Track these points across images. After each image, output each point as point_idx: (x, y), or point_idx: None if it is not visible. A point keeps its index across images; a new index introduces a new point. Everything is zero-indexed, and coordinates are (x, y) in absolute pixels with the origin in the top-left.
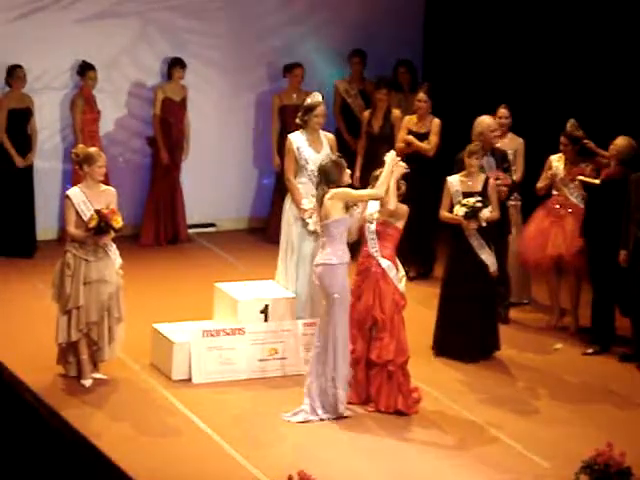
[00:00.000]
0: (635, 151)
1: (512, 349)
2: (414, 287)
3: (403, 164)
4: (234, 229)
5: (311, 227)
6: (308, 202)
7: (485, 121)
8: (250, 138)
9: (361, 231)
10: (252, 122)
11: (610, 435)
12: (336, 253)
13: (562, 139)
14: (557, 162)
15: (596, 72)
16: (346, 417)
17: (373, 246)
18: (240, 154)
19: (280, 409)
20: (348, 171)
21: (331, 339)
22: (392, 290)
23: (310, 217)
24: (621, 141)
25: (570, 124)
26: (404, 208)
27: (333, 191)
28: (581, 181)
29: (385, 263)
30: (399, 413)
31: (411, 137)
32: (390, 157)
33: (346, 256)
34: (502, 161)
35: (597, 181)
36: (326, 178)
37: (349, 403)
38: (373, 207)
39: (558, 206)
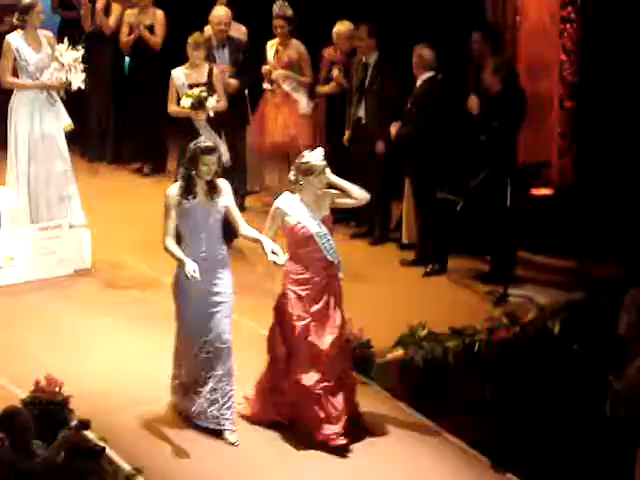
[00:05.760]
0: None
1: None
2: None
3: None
4: None
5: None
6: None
7: (214, 13)
8: None
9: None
10: None
11: (348, 310)
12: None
13: (277, 22)
14: (270, 49)
15: None
16: None
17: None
18: None
19: (20, 316)
20: None
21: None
22: None
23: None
24: (345, 26)
25: (279, 4)
26: None
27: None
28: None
29: None
30: None
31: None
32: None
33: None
34: (237, 51)
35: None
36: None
37: None
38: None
39: (275, 93)
